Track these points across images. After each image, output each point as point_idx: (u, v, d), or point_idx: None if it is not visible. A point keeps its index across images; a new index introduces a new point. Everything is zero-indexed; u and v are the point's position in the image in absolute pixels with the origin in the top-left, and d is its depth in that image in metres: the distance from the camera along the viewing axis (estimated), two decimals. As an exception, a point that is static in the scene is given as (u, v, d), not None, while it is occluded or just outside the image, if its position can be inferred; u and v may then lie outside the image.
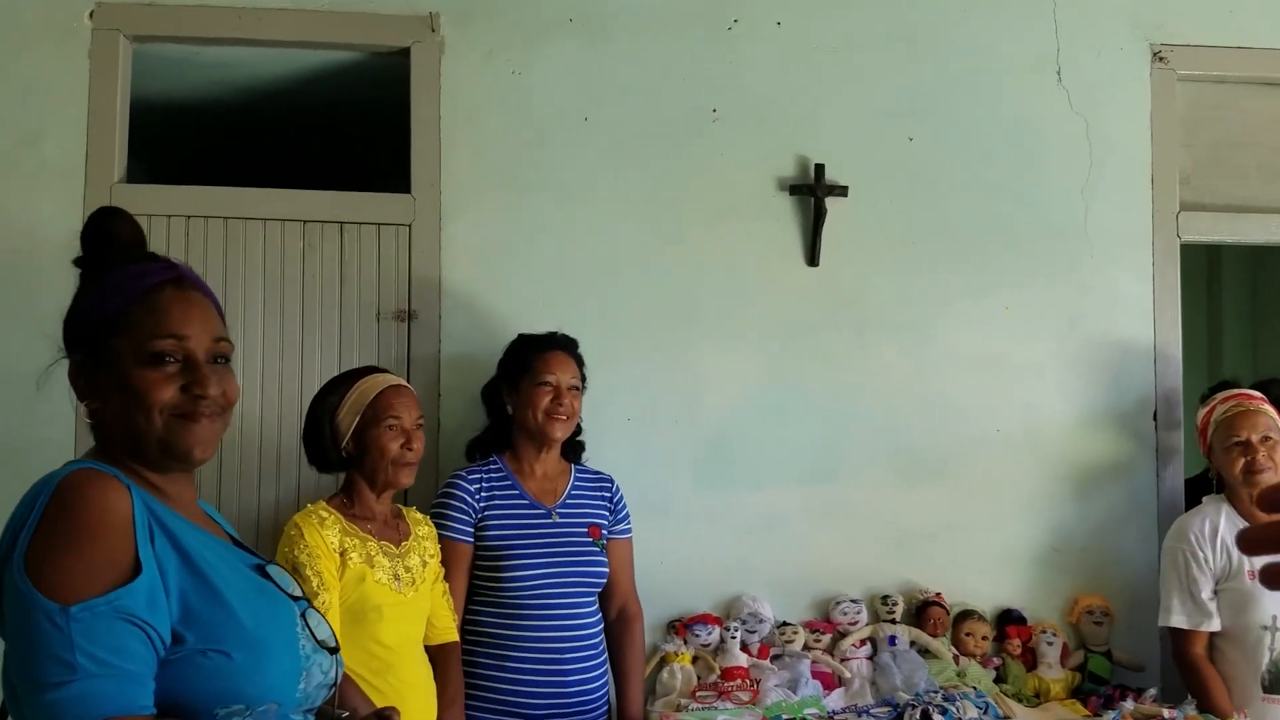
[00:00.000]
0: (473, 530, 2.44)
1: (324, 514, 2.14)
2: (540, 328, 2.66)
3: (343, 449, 2.21)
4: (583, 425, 2.65)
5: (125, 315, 1.28)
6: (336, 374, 2.34)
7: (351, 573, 2.09)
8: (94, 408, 1.30)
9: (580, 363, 2.61)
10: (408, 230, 2.82)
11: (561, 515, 2.52)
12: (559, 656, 2.41)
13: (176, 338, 1.30)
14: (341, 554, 2.09)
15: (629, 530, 2.66)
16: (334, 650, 1.40)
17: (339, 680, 1.41)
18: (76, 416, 2.65)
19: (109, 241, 1.35)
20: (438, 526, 2.38)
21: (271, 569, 1.41)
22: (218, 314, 1.38)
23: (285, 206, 2.80)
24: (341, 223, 2.81)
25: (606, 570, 2.54)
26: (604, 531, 2.58)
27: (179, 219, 2.75)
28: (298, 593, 1.41)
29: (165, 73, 3.01)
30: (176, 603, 1.21)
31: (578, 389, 2.56)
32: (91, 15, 2.76)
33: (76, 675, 1.11)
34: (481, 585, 2.45)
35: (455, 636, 2.35)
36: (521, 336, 2.61)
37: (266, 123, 3.35)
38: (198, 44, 2.85)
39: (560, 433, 2.52)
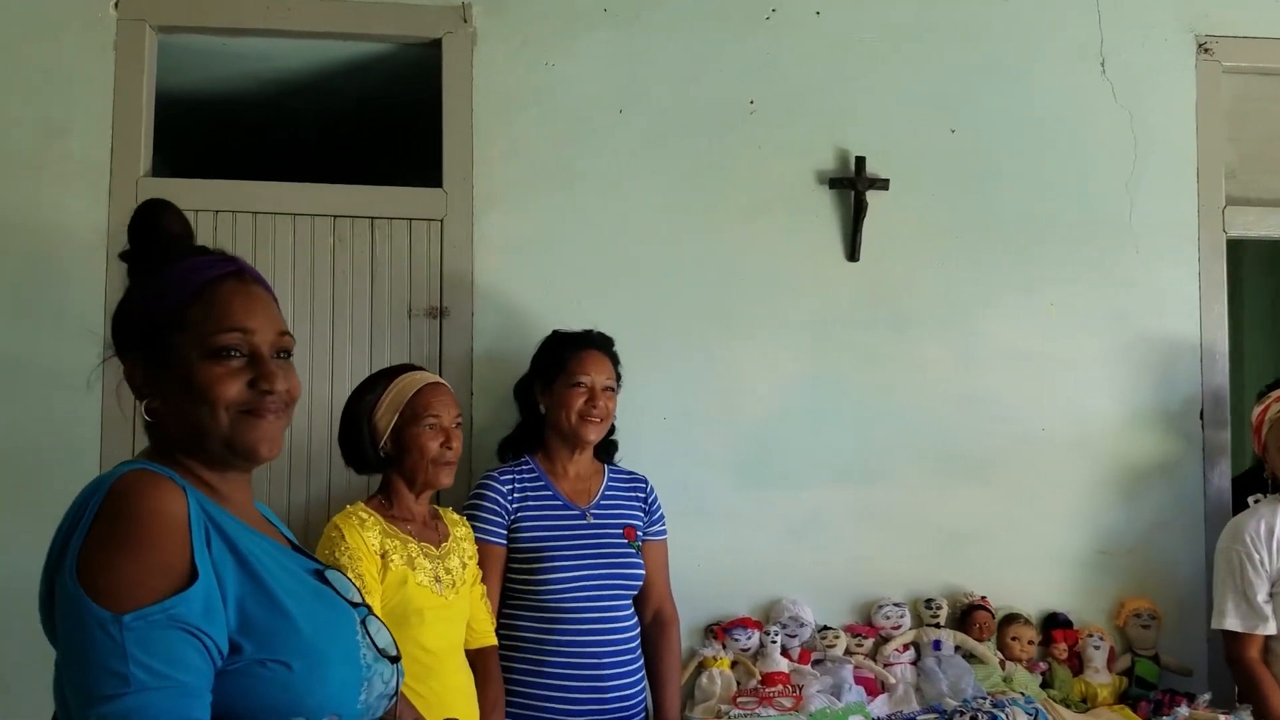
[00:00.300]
0: (506, 532, 2.37)
1: (364, 515, 2.08)
2: (574, 324, 2.60)
3: (380, 449, 2.15)
4: (616, 425, 2.58)
5: (186, 310, 1.23)
6: (372, 372, 2.28)
7: (393, 575, 2.03)
8: (153, 406, 1.23)
9: (616, 361, 2.54)
10: (439, 225, 2.76)
11: (596, 516, 2.46)
12: (597, 662, 2.35)
13: (242, 331, 1.24)
14: (383, 556, 2.03)
15: (664, 532, 2.59)
16: (395, 659, 1.33)
17: (399, 690, 1.35)
18: (104, 414, 2.60)
19: (157, 235, 1.29)
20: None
21: (330, 574, 1.34)
22: (278, 308, 1.32)
23: (315, 201, 2.74)
24: (372, 218, 2.75)
25: (643, 572, 2.48)
26: (639, 533, 2.52)
27: (206, 214, 2.69)
28: (357, 599, 1.35)
29: (188, 65, 2.95)
30: (234, 610, 1.14)
31: (612, 389, 2.49)
32: (117, 5, 2.70)
33: (130, 688, 1.04)
34: (516, 589, 2.38)
35: (494, 640, 2.29)
36: (556, 334, 2.55)
37: (293, 117, 3.29)
38: (225, 35, 2.80)
39: (594, 435, 2.46)
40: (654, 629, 2.53)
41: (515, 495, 2.40)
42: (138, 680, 1.04)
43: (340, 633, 1.25)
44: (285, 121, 3.34)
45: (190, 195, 2.70)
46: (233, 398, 1.22)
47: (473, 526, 2.33)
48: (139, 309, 1.25)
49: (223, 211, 2.70)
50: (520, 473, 2.45)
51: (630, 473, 2.61)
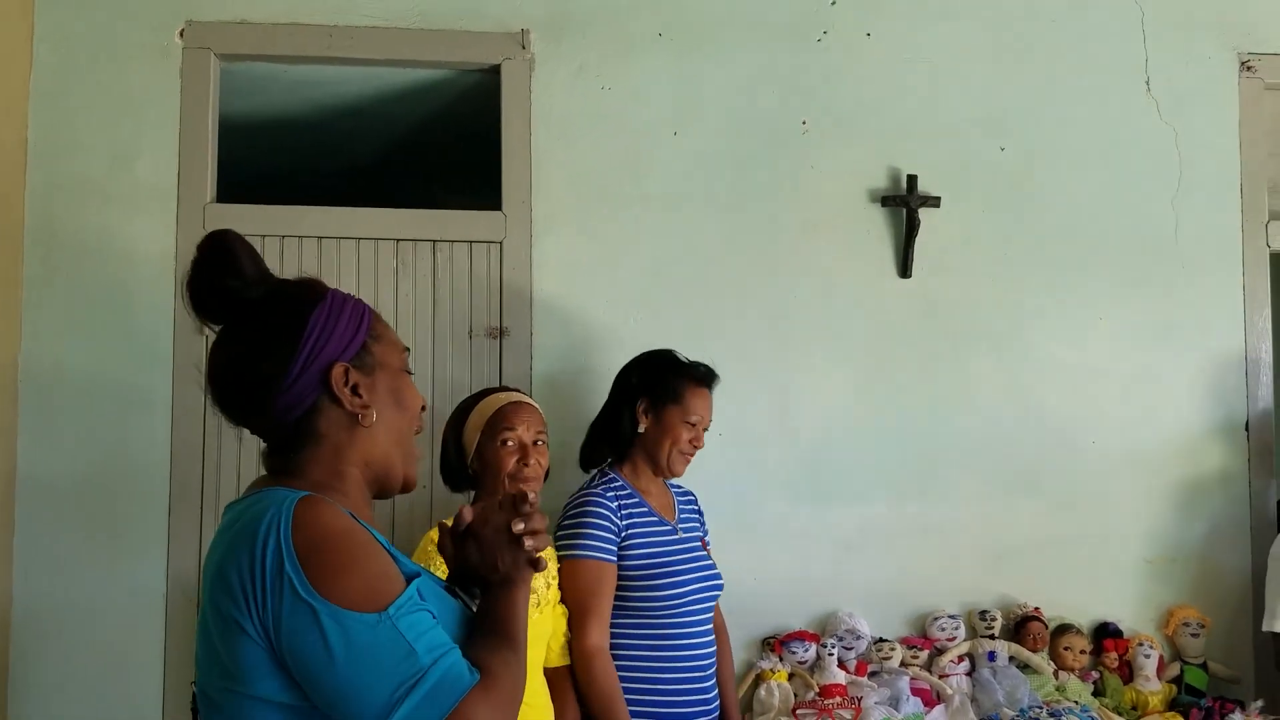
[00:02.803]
0: (617, 550, 2.32)
1: None
2: (630, 343, 2.63)
3: (470, 467, 2.20)
4: None
5: (374, 324, 1.31)
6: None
7: (486, 594, 2.06)
8: (369, 415, 1.27)
9: None
10: (499, 247, 2.81)
11: (683, 531, 2.48)
12: (703, 673, 2.39)
13: (408, 350, 1.36)
14: (473, 574, 2.06)
15: (709, 543, 2.63)
16: None
17: None
18: (174, 435, 2.66)
19: (238, 269, 1.27)
20: (578, 547, 2.28)
21: (458, 590, 1.34)
22: None
23: (378, 225, 2.79)
24: (434, 241, 2.80)
25: (723, 581, 2.51)
26: (706, 544, 2.56)
27: (273, 239, 2.74)
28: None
29: (248, 90, 3.00)
30: None
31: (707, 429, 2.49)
32: (182, 34, 2.76)
33: (422, 661, 1.12)
34: (627, 607, 2.33)
35: (567, 659, 2.32)
36: (675, 358, 2.48)
37: (353, 142, 3.33)
38: (287, 63, 2.84)
39: (682, 470, 2.45)
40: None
41: (622, 513, 2.36)
42: (426, 652, 1.12)
43: None
44: (345, 146, 3.38)
45: (255, 220, 2.75)
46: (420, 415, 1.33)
47: (582, 544, 2.28)
48: (332, 322, 1.26)
49: (289, 236, 2.75)
50: (617, 490, 2.40)
51: (679, 486, 2.61)
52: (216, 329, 1.28)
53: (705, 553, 2.50)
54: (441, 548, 1.32)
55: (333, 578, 1.12)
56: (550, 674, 2.26)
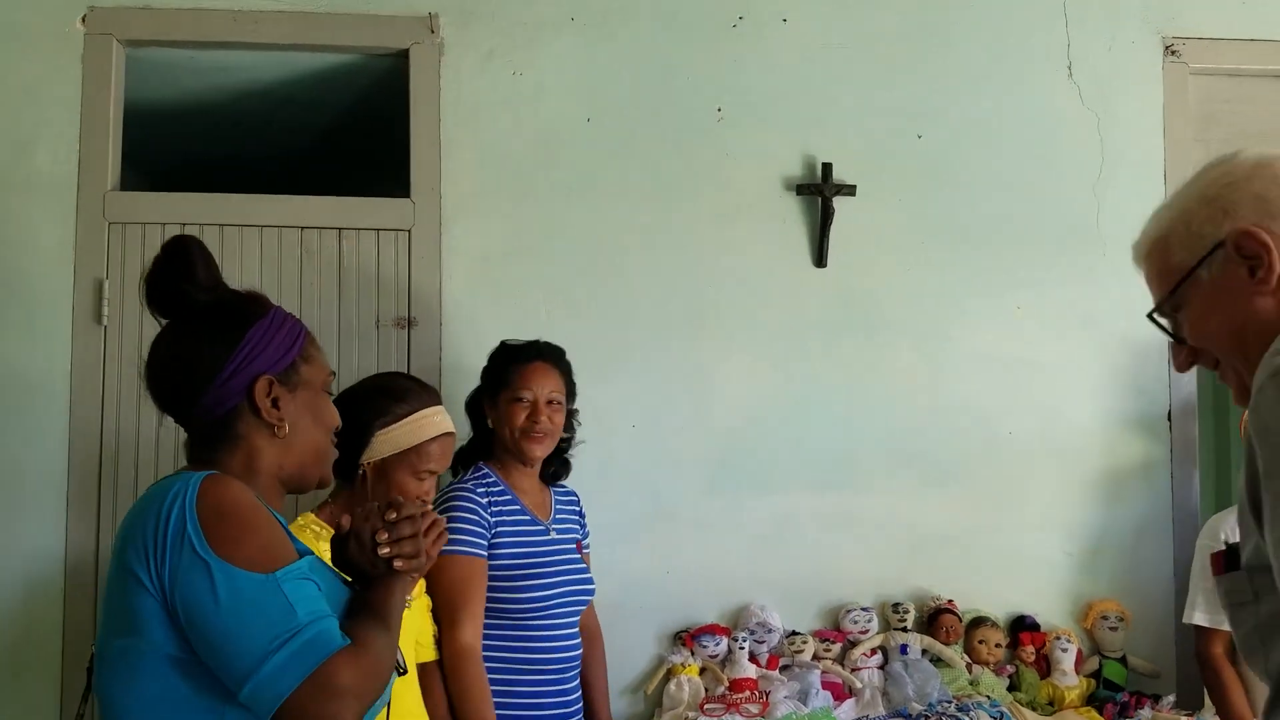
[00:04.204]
0: (487, 545, 2.26)
1: (316, 528, 2.01)
2: (543, 334, 2.59)
3: (360, 464, 2.07)
4: (573, 440, 2.51)
5: (306, 346, 1.44)
6: (380, 376, 2.27)
7: (351, 593, 2.02)
8: (283, 426, 1.39)
9: (566, 372, 2.44)
10: (407, 236, 2.78)
11: (557, 531, 2.41)
12: (563, 676, 2.34)
13: (333, 374, 1.51)
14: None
15: (589, 545, 2.58)
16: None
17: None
18: (71, 426, 2.63)
19: (193, 276, 1.41)
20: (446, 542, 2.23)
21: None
22: None
23: (283, 212, 2.76)
24: (340, 229, 2.77)
25: (594, 587, 2.46)
26: (583, 547, 2.51)
27: (174, 226, 2.69)
28: None
29: (156, 76, 2.96)
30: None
31: (559, 403, 2.37)
32: (84, 20, 2.72)
33: (301, 620, 1.22)
34: (491, 605, 2.26)
35: (436, 654, 2.23)
36: (504, 345, 2.44)
37: (262, 127, 3.30)
38: (192, 48, 2.81)
39: (539, 451, 2.35)
40: (583, 641, 2.43)
41: (492, 509, 2.29)
42: (305, 614, 1.23)
43: None
44: (261, 133, 3.35)
45: (157, 209, 2.73)
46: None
47: (452, 539, 2.12)
48: (268, 338, 1.40)
49: (190, 224, 2.70)
50: (487, 485, 2.33)
51: (562, 486, 2.54)
52: (163, 321, 1.43)
53: (579, 555, 2.44)
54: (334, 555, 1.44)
55: (229, 541, 1.24)
56: (419, 669, 2.20)
